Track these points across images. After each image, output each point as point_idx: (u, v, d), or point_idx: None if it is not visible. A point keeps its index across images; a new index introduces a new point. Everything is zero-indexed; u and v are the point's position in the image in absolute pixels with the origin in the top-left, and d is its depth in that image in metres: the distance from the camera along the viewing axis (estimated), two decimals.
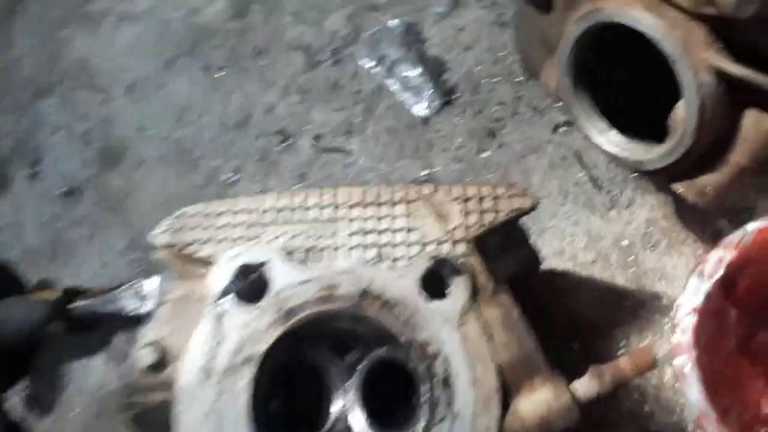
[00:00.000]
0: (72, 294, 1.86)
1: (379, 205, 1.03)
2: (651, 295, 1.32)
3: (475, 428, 0.90)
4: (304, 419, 1.00)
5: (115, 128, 2.04)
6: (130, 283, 1.88)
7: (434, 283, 0.97)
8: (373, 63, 1.69)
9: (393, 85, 1.65)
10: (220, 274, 0.98)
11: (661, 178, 1.10)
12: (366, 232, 1.01)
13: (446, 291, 0.97)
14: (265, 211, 1.03)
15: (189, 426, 0.92)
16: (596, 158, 1.44)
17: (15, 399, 1.83)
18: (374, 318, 0.95)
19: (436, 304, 0.96)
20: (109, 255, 2.00)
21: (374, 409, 0.99)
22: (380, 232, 1.01)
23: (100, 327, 1.95)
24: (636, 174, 1.39)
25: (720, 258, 0.97)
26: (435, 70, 1.62)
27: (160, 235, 1.04)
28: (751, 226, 0.99)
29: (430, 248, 1.00)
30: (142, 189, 1.94)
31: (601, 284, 1.35)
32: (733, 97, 0.95)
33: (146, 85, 2.04)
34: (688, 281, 0.98)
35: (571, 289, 1.35)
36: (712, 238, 1.29)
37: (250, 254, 0.98)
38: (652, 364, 0.95)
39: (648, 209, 1.37)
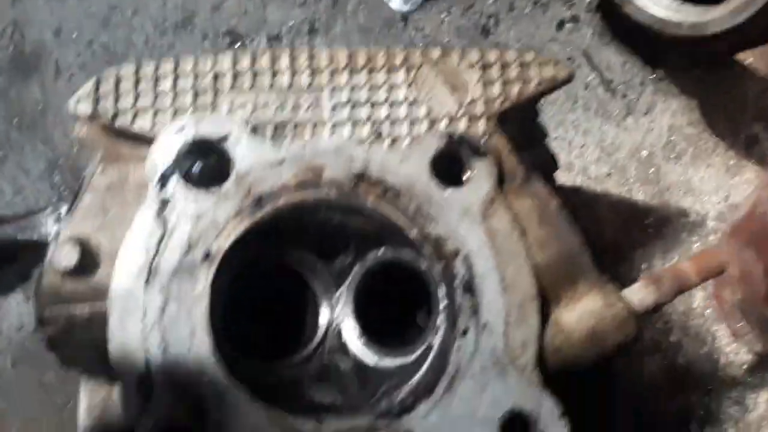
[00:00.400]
0: None
1: (372, 71, 0.79)
2: (676, 212, 1.14)
3: (508, 343, 0.70)
4: (284, 335, 0.77)
5: (29, 32, 1.73)
6: (52, 207, 1.59)
7: (449, 167, 0.75)
8: None
9: None
10: (164, 151, 0.73)
11: (722, 47, 0.90)
12: (356, 105, 0.78)
13: (465, 177, 0.75)
14: (219, 75, 0.78)
15: (127, 343, 0.68)
16: (609, 58, 1.24)
17: None
18: (373, 209, 0.73)
19: (453, 193, 0.74)
20: (25, 179, 1.70)
21: (370, 324, 0.77)
22: (375, 105, 0.78)
23: (15, 259, 1.66)
24: (654, 76, 1.20)
25: None
26: None
27: (81, 102, 0.77)
28: None
29: (441, 125, 0.77)
30: (64, 102, 1.65)
31: (618, 201, 1.17)
32: None
33: None
34: None
35: (584, 207, 1.15)
36: (746, 144, 1.12)
37: (204, 125, 0.74)
38: (721, 268, 0.76)
39: (670, 115, 1.18)
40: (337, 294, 0.78)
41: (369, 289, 0.78)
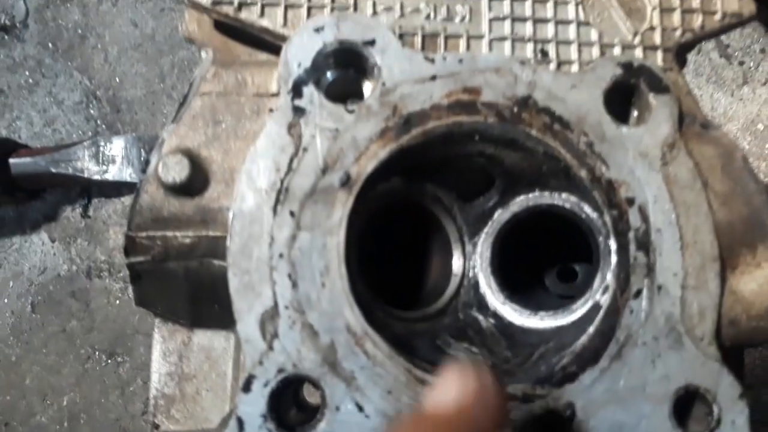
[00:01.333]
0: (9, 146, 1.44)
1: None
2: None
3: (685, 309, 0.60)
4: (416, 283, 0.67)
5: None
6: (91, 140, 1.47)
7: (623, 102, 0.65)
8: None
9: None
10: (300, 53, 0.62)
11: None
12: (518, 20, 0.67)
13: (640, 114, 0.65)
14: None
15: (251, 273, 0.57)
16: None
17: None
18: (538, 140, 0.62)
19: (630, 131, 0.63)
20: (56, 110, 1.58)
21: (508, 280, 0.67)
22: (539, 23, 0.68)
23: (44, 194, 1.55)
24: None
25: None
26: None
27: None
28: None
29: (614, 53, 0.67)
30: (107, 27, 1.53)
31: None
32: None
33: None
34: None
35: None
36: None
37: (347, 26, 0.62)
38: None
39: None
40: (474, 241, 0.68)
41: (511, 239, 0.67)
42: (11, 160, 1.39)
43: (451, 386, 0.45)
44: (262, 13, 0.65)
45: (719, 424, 0.59)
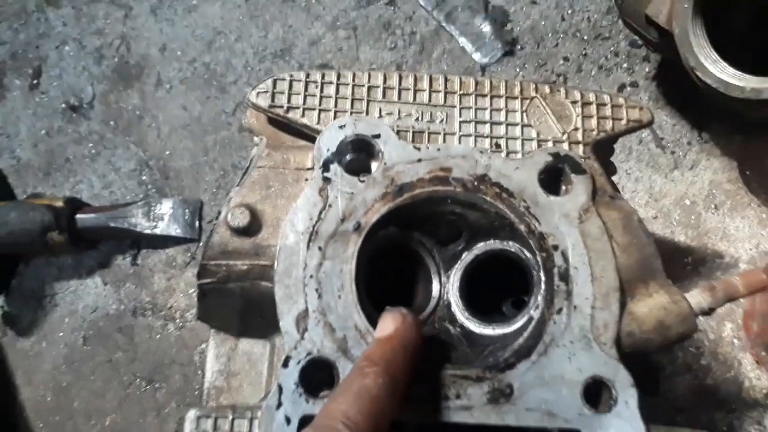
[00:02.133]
0: (75, 205, 1.72)
1: (494, 97, 0.98)
2: (712, 254, 1.31)
3: (593, 323, 0.86)
4: (405, 301, 0.93)
5: (135, 46, 1.92)
6: (143, 201, 1.75)
7: (552, 180, 0.93)
8: (432, 6, 1.66)
9: (452, 30, 1.61)
10: (329, 142, 0.91)
11: None
12: (480, 122, 0.96)
13: (563, 189, 0.92)
14: (372, 88, 0.97)
15: (290, 287, 0.84)
16: (661, 119, 1.44)
17: None
18: (491, 204, 0.90)
19: (556, 199, 0.91)
20: (114, 175, 1.86)
21: (474, 300, 0.93)
22: (495, 124, 0.96)
23: (100, 245, 1.81)
24: (700, 138, 1.39)
25: None
26: (498, 20, 1.60)
27: (260, 96, 0.95)
28: None
29: (548, 145, 0.95)
30: (161, 110, 1.82)
31: (662, 241, 1.34)
32: None
33: (175, 5, 1.94)
34: None
35: None
36: None
37: (362, 125, 0.91)
38: (764, 284, 0.93)
39: (712, 172, 1.36)
40: (447, 274, 0.95)
41: (475, 272, 0.94)
42: (77, 216, 1.67)
43: (389, 319, 0.76)
44: (303, 115, 0.94)
45: (616, 403, 0.83)
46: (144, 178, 1.85)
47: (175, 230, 1.66)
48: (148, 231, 1.66)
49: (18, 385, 1.60)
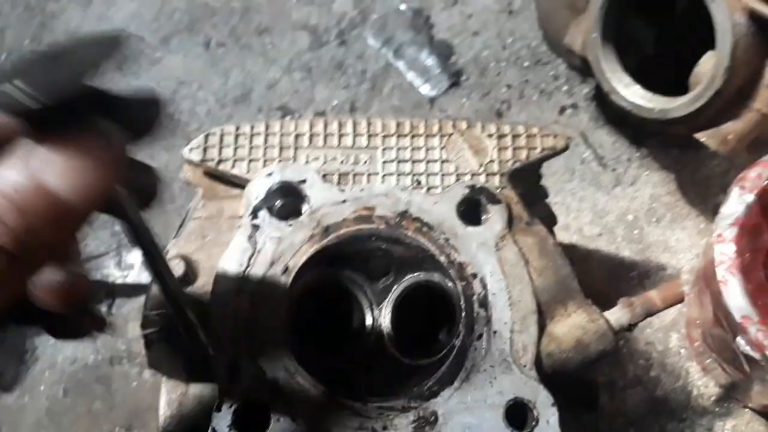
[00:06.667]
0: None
1: (414, 136, 1.03)
2: (656, 266, 1.35)
3: (513, 346, 0.90)
4: (339, 336, 0.98)
5: None
6: (112, 253, 1.81)
7: (470, 211, 0.97)
8: (380, 44, 1.72)
9: (400, 66, 1.68)
10: (257, 191, 0.96)
11: (683, 129, 1.14)
12: (402, 161, 1.02)
13: (482, 218, 0.97)
14: (299, 135, 1.02)
15: (224, 336, 0.88)
16: (601, 138, 1.49)
17: None
18: (412, 239, 0.95)
19: (474, 230, 0.96)
20: (86, 228, 1.91)
21: (405, 331, 0.98)
22: (416, 162, 1.02)
23: None
24: (638, 153, 1.44)
25: (759, 174, 1.01)
26: (443, 53, 1.66)
27: (192, 151, 1.01)
28: None
29: (466, 178, 1.01)
30: None
31: (607, 256, 1.38)
32: (764, 39, 1.01)
33: (140, 60, 2.01)
34: (730, 193, 1.01)
35: (578, 262, 1.36)
36: (713, 212, 1.34)
37: (288, 172, 0.97)
38: (680, 297, 0.97)
39: (652, 186, 1.41)
40: (380, 308, 1.00)
41: (405, 304, 0.99)
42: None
43: None
44: (233, 166, 0.99)
45: (537, 423, 0.87)
46: (116, 228, 1.90)
47: (146, 278, 1.71)
48: (120, 280, 1.71)
49: None
